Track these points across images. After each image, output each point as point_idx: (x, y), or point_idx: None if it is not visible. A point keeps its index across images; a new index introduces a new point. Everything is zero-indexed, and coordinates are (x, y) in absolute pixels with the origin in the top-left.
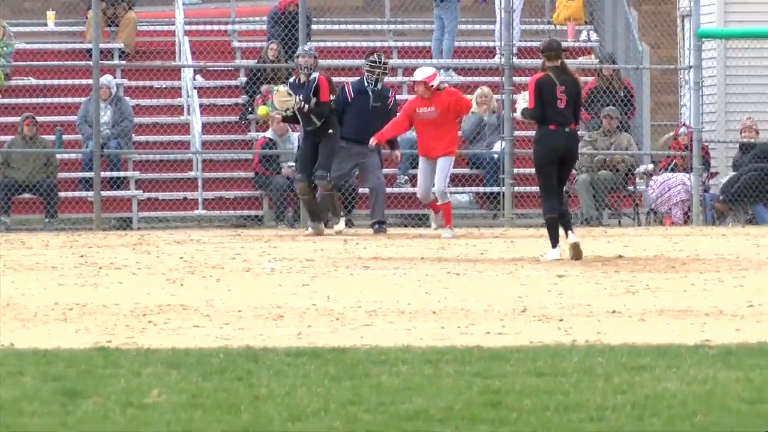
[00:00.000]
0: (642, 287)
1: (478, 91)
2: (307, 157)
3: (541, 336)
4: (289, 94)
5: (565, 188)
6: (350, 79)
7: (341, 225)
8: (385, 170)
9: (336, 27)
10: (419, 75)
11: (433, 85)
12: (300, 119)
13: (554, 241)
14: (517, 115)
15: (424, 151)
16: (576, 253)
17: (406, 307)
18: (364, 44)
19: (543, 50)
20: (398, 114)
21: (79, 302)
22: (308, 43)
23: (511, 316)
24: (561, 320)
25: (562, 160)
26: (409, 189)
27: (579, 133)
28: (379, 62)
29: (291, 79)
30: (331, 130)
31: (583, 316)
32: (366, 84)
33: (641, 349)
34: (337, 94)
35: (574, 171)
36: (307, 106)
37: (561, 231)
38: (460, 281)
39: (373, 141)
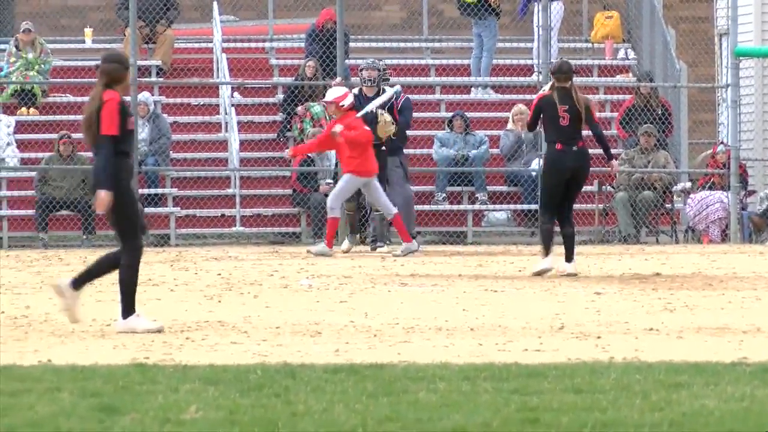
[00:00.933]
0: (679, 305)
1: (515, 108)
2: None
3: (579, 353)
4: (393, 123)
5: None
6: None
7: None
8: (422, 188)
9: (374, 45)
10: (330, 95)
11: (344, 105)
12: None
13: (547, 250)
14: None
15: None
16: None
17: (443, 324)
18: (402, 62)
19: (554, 71)
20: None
21: (117, 318)
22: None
23: (548, 333)
24: (599, 337)
25: (572, 178)
26: (446, 207)
27: (616, 151)
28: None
29: (355, 91)
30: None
31: (621, 334)
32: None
33: (679, 367)
34: None
35: (611, 189)
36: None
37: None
38: (497, 298)
39: (288, 152)
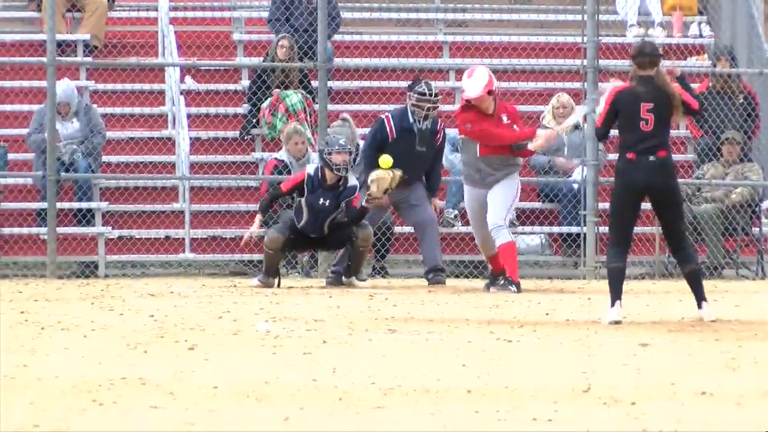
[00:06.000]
0: (746, 361)
1: (555, 99)
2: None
3: (604, 424)
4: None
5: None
6: (388, 108)
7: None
8: None
9: (372, 16)
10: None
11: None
12: None
13: (614, 296)
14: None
15: None
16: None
17: (433, 385)
18: (405, 39)
19: (634, 55)
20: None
21: (6, 374)
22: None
23: (569, 397)
24: (633, 403)
25: (655, 200)
26: (460, 228)
27: (684, 157)
28: (430, 94)
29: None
30: None
31: (663, 399)
32: (411, 121)
33: None
34: (375, 130)
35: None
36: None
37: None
38: (510, 350)
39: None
